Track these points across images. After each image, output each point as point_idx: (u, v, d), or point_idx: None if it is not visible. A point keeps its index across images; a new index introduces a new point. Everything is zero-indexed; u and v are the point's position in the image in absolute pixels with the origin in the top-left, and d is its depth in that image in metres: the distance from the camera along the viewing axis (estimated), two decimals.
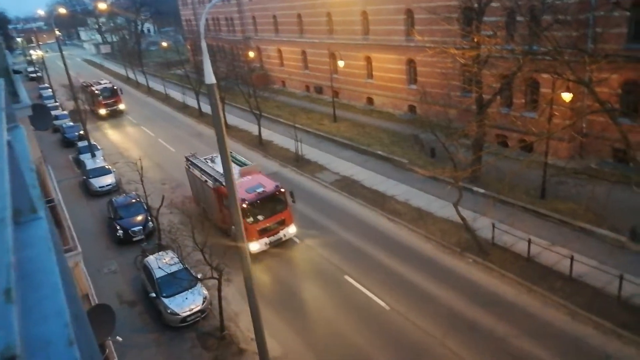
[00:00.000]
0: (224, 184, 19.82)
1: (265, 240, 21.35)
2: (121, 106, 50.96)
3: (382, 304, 17.77)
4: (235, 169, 22.26)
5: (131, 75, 70.14)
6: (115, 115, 50.35)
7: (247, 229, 18.27)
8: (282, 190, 21.85)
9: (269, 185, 21.95)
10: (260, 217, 21.25)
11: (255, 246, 20.72)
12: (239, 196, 18.67)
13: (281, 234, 21.86)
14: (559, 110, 22.56)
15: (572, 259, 17.46)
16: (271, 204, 21.66)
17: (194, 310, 17.42)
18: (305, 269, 21.08)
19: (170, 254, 19.18)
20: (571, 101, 21.77)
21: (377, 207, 24.99)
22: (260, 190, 21.37)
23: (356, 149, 33.25)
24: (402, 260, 20.20)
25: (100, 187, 30.50)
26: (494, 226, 20.24)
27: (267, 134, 37.16)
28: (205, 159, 25.65)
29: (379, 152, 31.56)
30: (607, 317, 15.74)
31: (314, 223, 24.00)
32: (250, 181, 22.41)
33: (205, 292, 18.19)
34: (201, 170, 24.16)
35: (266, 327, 12.05)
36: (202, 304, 17.69)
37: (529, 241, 18.95)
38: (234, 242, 17.13)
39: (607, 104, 16.98)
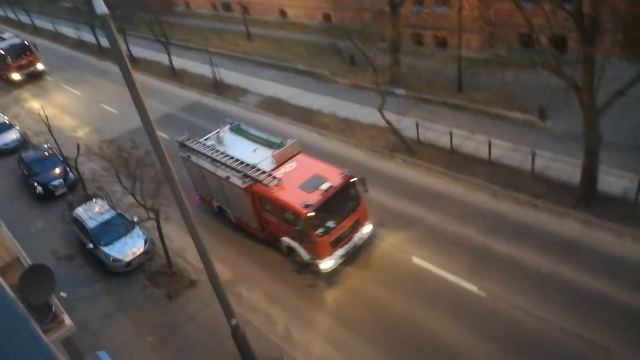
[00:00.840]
0: (261, 180, 15.66)
1: (340, 251, 15.55)
2: (39, 66, 39.80)
3: None
4: (263, 153, 17.07)
5: (12, 16, 61.71)
6: (35, 78, 39.54)
7: (316, 244, 14.91)
8: (354, 179, 15.70)
9: (334, 175, 15.48)
10: (330, 224, 15.14)
11: (328, 264, 15.36)
12: (292, 201, 14.76)
13: (356, 238, 16.02)
14: (468, 2, 22.86)
15: (489, 144, 18.77)
16: (342, 202, 15.51)
17: (137, 253, 17.20)
18: None
19: (100, 202, 18.38)
20: None
21: (306, 123, 24.96)
22: (325, 187, 15.04)
23: (276, 66, 32.30)
24: None
25: (4, 145, 27.87)
26: (417, 125, 21.04)
27: (179, 63, 34.91)
28: (208, 139, 18.85)
29: (299, 67, 30.91)
30: (523, 191, 17.40)
31: None
32: (300, 172, 15.94)
33: (146, 233, 17.87)
34: (214, 161, 17.30)
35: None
36: (145, 245, 17.45)
37: (451, 134, 20.01)
38: (300, 262, 15.84)
39: None
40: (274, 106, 27.42)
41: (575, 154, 16.46)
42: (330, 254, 15.28)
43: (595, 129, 15.06)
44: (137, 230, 17.73)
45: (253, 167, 16.32)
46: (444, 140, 20.57)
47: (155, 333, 14.92)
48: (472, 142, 19.79)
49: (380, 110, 20.72)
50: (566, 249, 14.93)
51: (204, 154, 17.75)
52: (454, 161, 19.72)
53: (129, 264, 17.07)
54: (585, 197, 16.09)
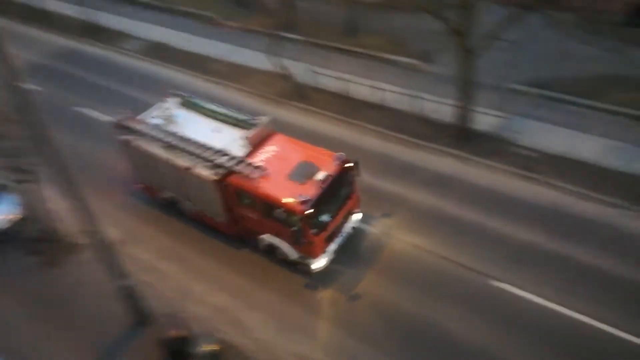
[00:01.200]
0: (239, 171, 13.18)
1: (332, 246, 13.73)
2: None
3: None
4: (229, 134, 14.51)
5: None
6: None
7: (312, 243, 12.93)
8: (351, 164, 13.70)
9: (326, 161, 13.39)
10: (326, 218, 13.19)
11: (321, 262, 13.51)
12: (283, 196, 12.36)
13: (348, 228, 14.28)
14: None
15: (379, 88, 19.35)
16: (338, 192, 13.51)
17: (10, 220, 15.56)
18: None
19: None
20: None
21: (195, 70, 23.65)
22: (322, 176, 12.95)
23: (157, 7, 29.73)
24: None
25: None
26: (310, 71, 20.93)
27: (43, 4, 30.60)
28: (153, 117, 15.51)
29: (184, 9, 28.77)
30: (410, 133, 18.39)
31: (124, 99, 21.74)
32: (284, 157, 13.66)
33: (20, 197, 16.14)
34: (169, 147, 14.27)
35: None
36: (18, 211, 15.81)
37: (343, 80, 20.24)
38: (294, 262, 13.61)
39: None
40: (159, 52, 25.49)
41: (455, 96, 17.54)
42: (323, 252, 13.40)
43: (470, 70, 16.10)
44: (7, 196, 15.93)
45: (224, 153, 13.64)
46: (337, 86, 20.76)
47: (37, 303, 13.87)
48: (364, 87, 20.21)
49: (272, 56, 20.21)
50: (445, 184, 16.26)
51: (154, 138, 14.49)
52: (347, 107, 20.10)
53: (3, 233, 15.41)
54: (461, 136, 17.44)
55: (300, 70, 21.61)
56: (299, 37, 24.17)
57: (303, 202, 12.15)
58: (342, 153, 13.49)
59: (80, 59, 25.80)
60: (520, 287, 12.99)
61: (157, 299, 13.43)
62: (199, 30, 26.95)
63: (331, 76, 20.86)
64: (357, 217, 14.61)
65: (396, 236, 14.76)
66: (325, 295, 13.49)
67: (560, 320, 12.22)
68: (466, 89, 16.54)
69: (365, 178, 16.74)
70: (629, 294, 12.49)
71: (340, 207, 13.56)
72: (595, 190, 15.23)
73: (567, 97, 18.61)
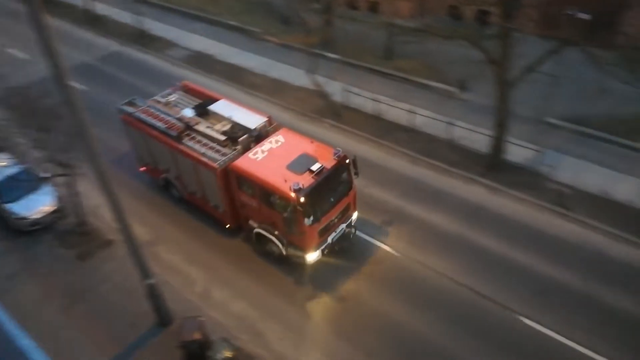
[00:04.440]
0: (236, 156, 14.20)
1: (326, 240, 14.02)
2: None
3: None
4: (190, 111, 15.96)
5: None
6: None
7: (304, 234, 13.22)
8: (348, 159, 14.06)
9: (325, 155, 13.80)
10: (320, 211, 13.43)
11: (313, 255, 13.85)
12: (279, 183, 12.90)
13: (343, 225, 14.45)
14: None
15: (411, 111, 19.44)
16: (334, 186, 13.83)
17: (46, 211, 16.24)
18: None
19: (3, 155, 16.99)
20: None
21: (234, 81, 24.33)
22: (317, 167, 13.26)
23: (206, 20, 30.86)
24: None
25: None
26: (346, 90, 21.24)
27: (101, 8, 32.32)
28: (159, 100, 16.92)
29: (231, 23, 29.76)
30: (440, 158, 18.34)
31: None
32: (286, 149, 14.11)
33: (57, 190, 16.87)
34: (170, 127, 15.52)
35: None
36: (55, 203, 16.50)
37: (377, 101, 20.45)
38: (277, 251, 14.26)
39: None
40: (202, 62, 26.37)
41: (488, 125, 17.46)
42: (317, 245, 13.69)
43: (506, 101, 16.04)
44: (46, 187, 16.68)
45: (232, 138, 14.86)
46: (370, 106, 20.98)
47: (65, 295, 14.36)
48: (396, 109, 20.36)
49: (310, 73, 20.64)
50: (471, 212, 16.08)
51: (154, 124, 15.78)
52: (379, 127, 20.25)
53: (35, 222, 16.08)
54: (493, 165, 17.29)
55: (336, 89, 21.94)
56: (336, 57, 24.61)
57: (296, 190, 12.60)
58: (339, 149, 14.02)
59: (126, 62, 26.95)
60: (540, 322, 12.70)
61: (179, 302, 13.72)
62: (242, 43, 27.80)
63: (365, 97, 21.11)
64: (354, 216, 14.92)
65: (414, 257, 14.68)
66: (350, 317, 13.45)
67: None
68: (501, 119, 16.45)
69: (391, 199, 16.84)
70: None
71: (335, 202, 13.87)
72: (629, 232, 14.78)
73: (603, 135, 18.26)
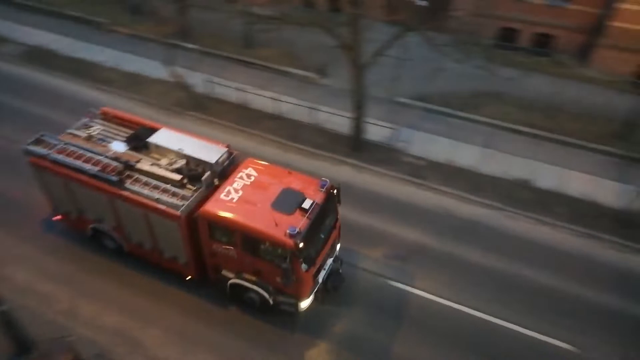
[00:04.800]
0: (212, 199, 11.79)
1: (318, 282, 12.52)
2: None
3: None
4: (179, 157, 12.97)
5: None
6: None
7: (302, 281, 11.62)
8: (335, 189, 12.47)
9: (310, 187, 12.15)
10: (313, 252, 11.89)
11: (307, 302, 12.34)
12: (269, 229, 10.98)
13: (330, 260, 12.96)
14: None
15: (276, 99, 19.74)
16: (324, 221, 12.33)
17: None
18: None
19: None
20: None
21: (83, 78, 22.29)
22: (308, 205, 11.55)
23: (44, 11, 27.59)
24: None
25: None
26: (208, 80, 20.76)
27: None
28: (76, 134, 13.69)
29: (74, 14, 27.03)
30: (308, 143, 18.96)
31: (7, 111, 20.00)
32: (262, 185, 12.13)
33: None
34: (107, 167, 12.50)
35: None
36: None
37: (241, 90, 20.35)
38: (260, 300, 12.28)
39: None
40: (42, 58, 23.63)
41: (348, 108, 18.44)
42: (311, 290, 12.13)
43: (361, 84, 17.10)
44: None
45: (190, 176, 12.42)
46: (235, 96, 20.81)
47: None
48: (261, 97, 20.48)
49: (168, 65, 19.73)
50: (343, 191, 16.95)
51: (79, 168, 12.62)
52: (246, 116, 20.22)
53: None
54: (356, 145, 18.40)
55: (198, 80, 21.33)
56: (195, 47, 23.87)
57: (293, 235, 10.79)
58: (326, 179, 12.36)
59: None
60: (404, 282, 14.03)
61: (41, 325, 12.37)
62: (88, 36, 25.47)
63: (230, 87, 20.87)
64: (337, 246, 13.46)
65: None
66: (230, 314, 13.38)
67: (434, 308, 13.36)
68: (358, 102, 17.50)
69: None
70: (492, 281, 14.01)
71: (326, 238, 12.41)
72: (471, 194, 16.88)
73: (445, 110, 20.51)
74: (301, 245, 10.89)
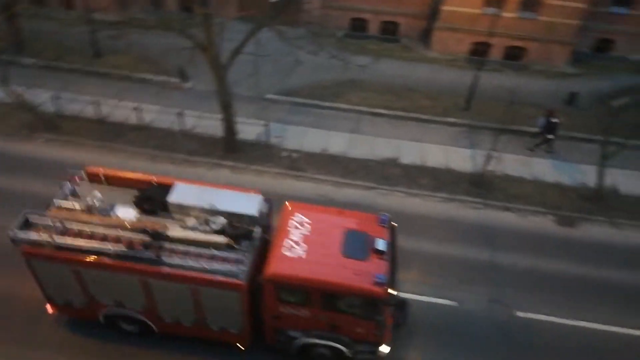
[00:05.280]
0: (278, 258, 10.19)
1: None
2: None
3: None
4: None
5: None
6: None
7: (386, 326, 10.64)
8: (395, 223, 11.44)
9: (372, 225, 11.01)
10: (390, 291, 10.55)
11: (388, 345, 11.28)
12: (352, 280, 9.82)
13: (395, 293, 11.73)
14: None
15: (138, 109, 18.66)
16: (394, 258, 11.31)
17: None
18: None
19: None
20: None
21: None
22: (382, 245, 10.44)
23: None
24: None
25: None
26: (56, 97, 18.85)
27: None
28: (69, 207, 11.07)
29: None
30: (179, 150, 18.28)
31: None
32: (322, 231, 10.86)
33: None
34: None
35: None
36: None
37: (97, 104, 18.85)
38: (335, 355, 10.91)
39: None
40: None
41: (216, 110, 18.13)
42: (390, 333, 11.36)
43: (224, 84, 16.90)
44: None
45: (236, 235, 10.68)
46: (91, 111, 19.19)
47: None
48: (122, 109, 19.20)
49: (2, 84, 17.45)
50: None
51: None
52: (107, 131, 18.80)
53: None
54: (230, 147, 18.21)
55: (44, 98, 19.24)
56: (34, 61, 21.45)
57: (381, 284, 9.81)
58: (385, 213, 11.43)
59: None
60: None
61: None
62: None
63: (83, 101, 19.18)
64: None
65: None
66: None
67: None
68: (225, 102, 17.29)
69: None
70: None
71: (394, 275, 11.42)
72: (348, 178, 17.77)
73: (313, 102, 21.24)
74: (391, 292, 10.24)
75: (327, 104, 21.16)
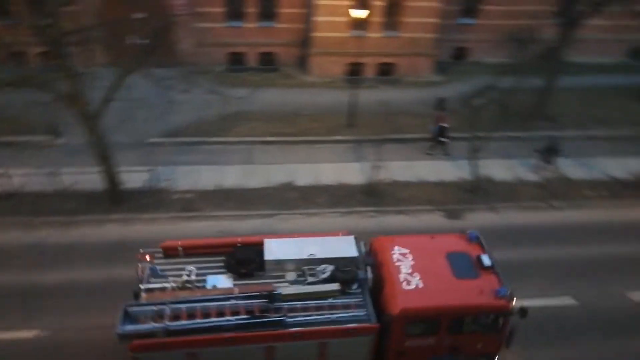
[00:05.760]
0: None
1: None
2: None
3: None
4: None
5: None
6: None
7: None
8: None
9: (463, 244, 11.71)
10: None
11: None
12: (478, 299, 10.44)
13: None
14: None
15: (4, 176, 16.98)
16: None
17: None
18: None
19: None
20: None
21: None
22: (488, 261, 11.07)
23: None
24: None
25: None
26: None
27: None
28: (164, 287, 10.50)
29: None
30: (58, 212, 16.81)
31: None
32: (424, 258, 11.25)
33: None
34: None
35: None
36: None
37: None
38: None
39: None
40: None
41: (95, 163, 17.02)
42: None
43: (98, 135, 16.00)
44: None
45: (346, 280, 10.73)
46: None
47: None
48: None
49: None
50: (115, 251, 15.56)
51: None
52: None
53: None
54: (115, 199, 17.17)
55: None
56: None
57: (503, 297, 10.43)
58: (473, 230, 12.13)
59: None
60: None
61: None
62: None
63: None
64: None
65: None
66: None
67: None
68: (102, 153, 16.35)
69: (14, 279, 14.48)
70: None
71: None
72: (246, 209, 17.56)
73: (200, 140, 20.91)
74: (515, 301, 10.61)
75: (214, 139, 20.94)
